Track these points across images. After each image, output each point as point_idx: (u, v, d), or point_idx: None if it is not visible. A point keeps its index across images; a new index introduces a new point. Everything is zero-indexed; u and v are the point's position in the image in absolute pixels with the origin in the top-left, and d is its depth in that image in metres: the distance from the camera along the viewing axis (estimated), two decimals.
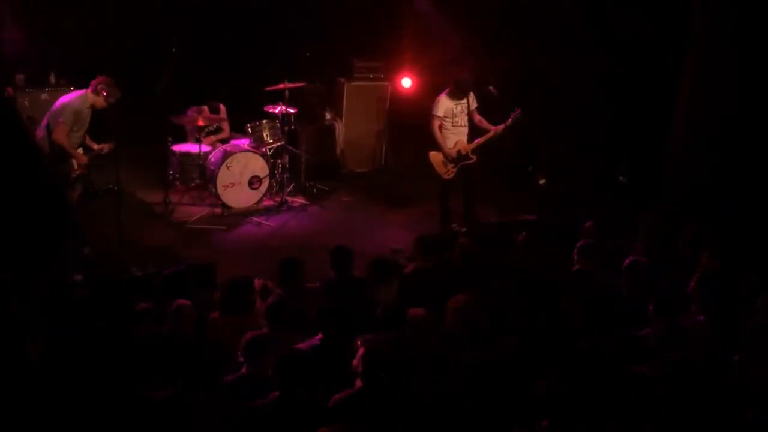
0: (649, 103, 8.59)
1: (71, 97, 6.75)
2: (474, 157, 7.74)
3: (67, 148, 6.66)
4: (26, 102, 7.84)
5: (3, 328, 4.41)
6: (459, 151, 7.68)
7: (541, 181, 9.45)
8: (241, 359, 4.01)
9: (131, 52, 8.25)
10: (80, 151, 6.83)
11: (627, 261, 5.38)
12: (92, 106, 6.75)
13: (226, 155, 8.01)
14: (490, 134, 7.72)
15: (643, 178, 8.74)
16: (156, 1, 8.76)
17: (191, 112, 8.30)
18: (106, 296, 5.35)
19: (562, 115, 9.20)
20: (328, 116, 9.72)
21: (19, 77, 7.88)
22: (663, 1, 8.25)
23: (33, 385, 4.15)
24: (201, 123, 8.04)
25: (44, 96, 7.95)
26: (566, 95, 9.09)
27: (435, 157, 7.69)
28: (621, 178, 9.14)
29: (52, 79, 8.08)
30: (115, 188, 6.93)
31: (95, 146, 6.94)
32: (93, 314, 4.90)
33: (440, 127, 7.61)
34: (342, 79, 9.74)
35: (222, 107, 8.60)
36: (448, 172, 7.70)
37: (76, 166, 6.76)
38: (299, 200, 8.70)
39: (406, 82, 10.04)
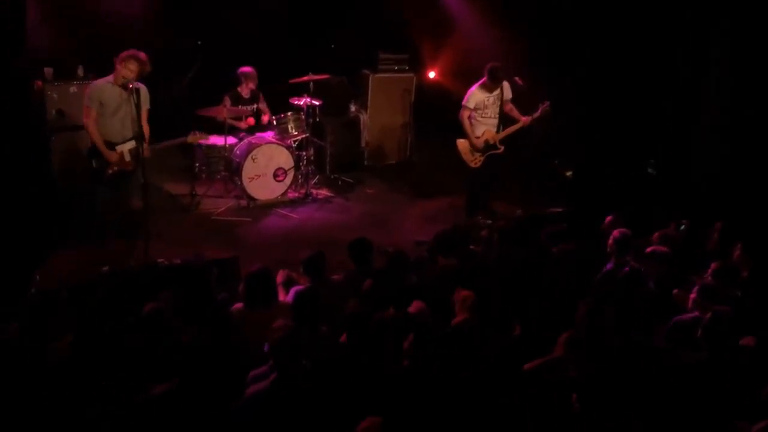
0: (680, 96, 8.45)
1: (99, 79, 6.26)
2: (502, 147, 7.78)
3: (92, 133, 6.10)
4: (55, 95, 7.89)
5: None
6: (487, 141, 7.73)
7: (568, 174, 9.34)
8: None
9: (158, 45, 8.26)
10: (127, 146, 6.20)
11: (650, 250, 5.36)
12: (123, 86, 6.09)
13: (251, 147, 8.03)
14: (518, 125, 7.78)
15: (673, 172, 8.61)
16: None
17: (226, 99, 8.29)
18: (129, 289, 5.41)
19: (590, 106, 9.08)
20: (353, 108, 9.72)
21: (48, 70, 7.92)
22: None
23: (56, 381, 4.18)
24: (224, 116, 8.04)
25: (72, 89, 7.99)
26: (595, 87, 8.97)
27: (462, 144, 7.77)
28: (650, 170, 8.99)
29: (81, 72, 8.10)
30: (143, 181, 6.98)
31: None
32: (118, 308, 4.93)
33: (469, 117, 7.65)
34: (367, 71, 9.72)
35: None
36: (475, 160, 7.78)
37: (114, 162, 6.16)
38: (324, 192, 8.71)
39: (432, 75, 9.99)
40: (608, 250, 5.65)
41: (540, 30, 8.96)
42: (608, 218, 6.37)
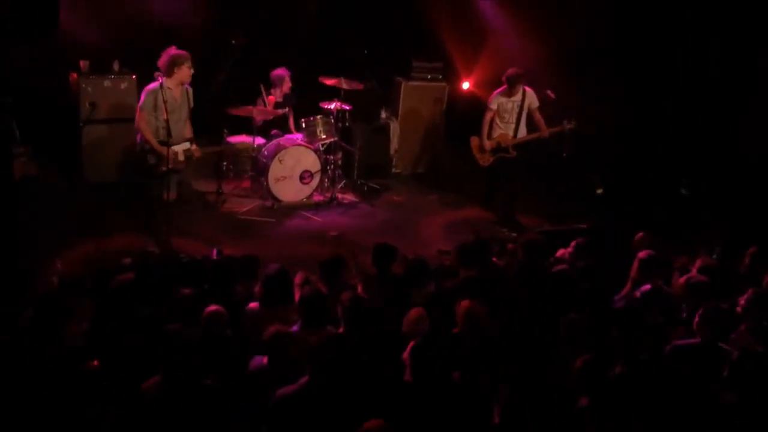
0: (717, 115, 8.30)
1: (152, 83, 6.51)
2: (514, 153, 8.06)
3: (146, 134, 6.40)
4: (89, 88, 7.99)
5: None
6: (499, 143, 8.08)
7: (599, 191, 9.20)
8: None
9: (193, 43, 8.35)
10: (182, 146, 6.51)
11: (685, 278, 5.18)
12: (178, 86, 6.45)
13: (279, 149, 8.04)
14: (535, 135, 8.05)
15: (707, 192, 8.43)
16: None
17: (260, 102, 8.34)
18: (151, 281, 5.42)
19: (623, 123, 8.95)
20: (383, 115, 9.68)
21: (84, 63, 8.04)
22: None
23: (70, 368, 4.18)
24: (257, 117, 8.08)
25: (107, 83, 8.10)
26: (628, 104, 8.84)
27: (473, 141, 8.24)
28: (683, 191, 8.82)
29: (116, 66, 8.21)
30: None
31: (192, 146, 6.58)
32: (137, 298, 4.94)
33: (492, 119, 8.04)
34: (399, 79, 9.68)
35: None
36: (483, 158, 8.19)
37: (167, 160, 6.39)
38: (350, 197, 8.68)
39: (466, 85, 9.92)
40: (633, 272, 5.50)
41: (574, 44, 8.85)
42: (638, 235, 6.21)
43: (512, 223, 8.09)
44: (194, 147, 6.60)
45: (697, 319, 4.51)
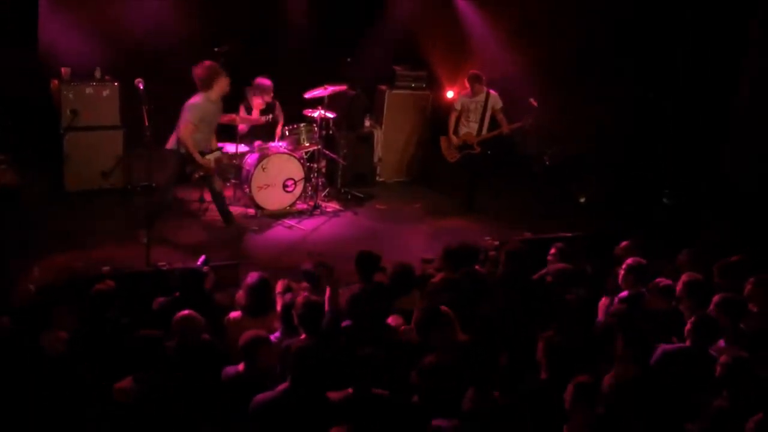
0: (701, 124, 8.36)
1: (195, 97, 6.87)
2: (478, 149, 8.64)
3: (190, 147, 6.79)
4: (71, 95, 7.95)
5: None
6: (465, 141, 8.68)
7: (581, 200, 9.22)
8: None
9: (175, 50, 8.32)
10: (214, 155, 7.08)
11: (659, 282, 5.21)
12: (219, 100, 6.93)
13: (262, 157, 8.00)
14: (497, 132, 8.63)
15: (689, 201, 8.48)
16: (201, 2, 8.82)
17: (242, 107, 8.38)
18: (130, 289, 5.39)
19: (607, 133, 8.99)
20: (367, 123, 9.67)
21: (65, 71, 7.99)
22: (718, 20, 8.04)
23: (53, 376, 4.13)
24: (240, 124, 8.06)
25: (88, 90, 8.06)
26: (613, 113, 8.88)
27: (443, 141, 8.86)
28: (665, 200, 8.87)
29: (98, 74, 8.17)
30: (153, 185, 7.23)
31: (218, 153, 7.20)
32: (116, 307, 4.90)
33: (457, 119, 8.68)
34: (383, 87, 9.69)
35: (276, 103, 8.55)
36: (451, 155, 8.79)
37: (205, 168, 7.02)
38: (333, 205, 8.65)
39: (450, 94, 9.95)
40: (620, 279, 5.49)
41: (560, 53, 8.89)
42: (623, 243, 6.21)
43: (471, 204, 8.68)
44: (221, 153, 7.30)
45: (688, 326, 4.53)
